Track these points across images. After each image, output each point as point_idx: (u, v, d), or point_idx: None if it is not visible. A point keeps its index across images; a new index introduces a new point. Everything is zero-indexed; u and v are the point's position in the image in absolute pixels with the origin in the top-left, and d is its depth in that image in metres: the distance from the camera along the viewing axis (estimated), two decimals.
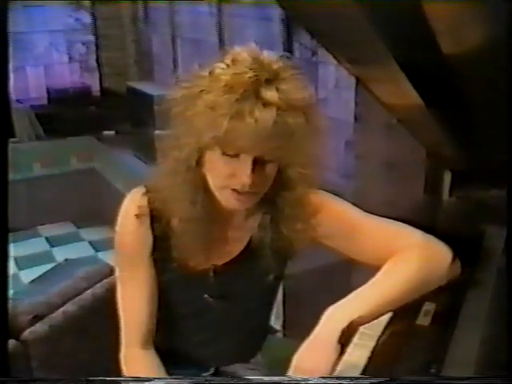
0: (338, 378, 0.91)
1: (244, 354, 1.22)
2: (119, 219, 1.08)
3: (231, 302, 1.11)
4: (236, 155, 0.90)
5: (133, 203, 1.05)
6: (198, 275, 1.07)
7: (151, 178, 1.06)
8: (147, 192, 1.04)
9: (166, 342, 1.16)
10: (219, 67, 0.91)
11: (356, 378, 0.86)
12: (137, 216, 1.03)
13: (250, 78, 0.87)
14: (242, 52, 0.92)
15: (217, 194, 0.97)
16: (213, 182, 0.96)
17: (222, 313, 1.12)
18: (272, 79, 0.89)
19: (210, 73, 0.92)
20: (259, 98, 0.87)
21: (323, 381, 0.82)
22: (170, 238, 1.03)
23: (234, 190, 0.93)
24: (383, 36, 0.63)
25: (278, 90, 0.88)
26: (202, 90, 0.90)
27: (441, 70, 0.75)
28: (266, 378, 0.93)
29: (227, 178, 0.93)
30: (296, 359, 0.92)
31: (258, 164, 0.91)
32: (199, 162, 0.95)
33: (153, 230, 1.04)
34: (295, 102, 0.89)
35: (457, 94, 0.84)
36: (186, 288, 1.10)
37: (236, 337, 1.17)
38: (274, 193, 1.00)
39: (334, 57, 0.78)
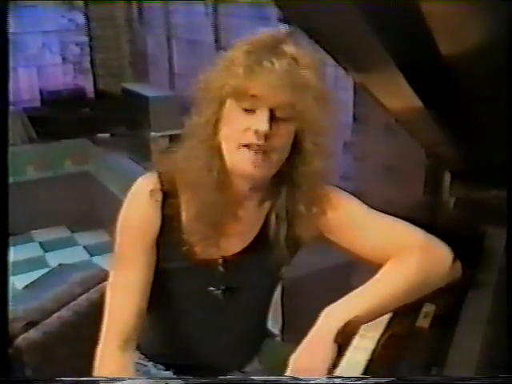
0: (342, 377, 0.91)
1: (242, 356, 1.23)
2: (127, 199, 1.09)
3: (235, 296, 1.11)
4: (253, 108, 0.95)
5: (145, 183, 1.07)
6: (205, 266, 1.07)
7: (162, 165, 1.09)
8: (159, 175, 1.06)
9: (167, 341, 1.17)
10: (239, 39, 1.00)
11: (360, 378, 0.86)
12: (150, 193, 1.04)
13: (267, 36, 0.97)
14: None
15: (232, 160, 0.98)
16: (228, 143, 0.99)
17: (224, 307, 1.12)
18: (288, 41, 0.97)
19: (231, 47, 1.00)
20: (276, 49, 0.95)
21: (326, 380, 0.82)
22: (181, 219, 1.04)
23: (249, 146, 0.95)
24: (381, 36, 0.64)
25: (295, 44, 0.97)
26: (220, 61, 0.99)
27: (439, 71, 0.76)
28: (266, 378, 0.94)
29: (243, 132, 0.96)
30: (293, 360, 0.93)
31: (273, 118, 0.95)
32: (216, 128, 0.99)
33: (163, 210, 1.05)
34: (308, 60, 0.96)
35: (456, 94, 0.85)
36: (192, 279, 1.09)
37: (235, 334, 1.16)
38: (291, 168, 1.02)
39: (332, 57, 0.80)
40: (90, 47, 4.62)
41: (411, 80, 0.79)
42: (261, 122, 0.94)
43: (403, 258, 1.02)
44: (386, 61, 0.72)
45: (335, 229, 1.08)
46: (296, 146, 1.00)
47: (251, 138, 0.95)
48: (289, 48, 0.96)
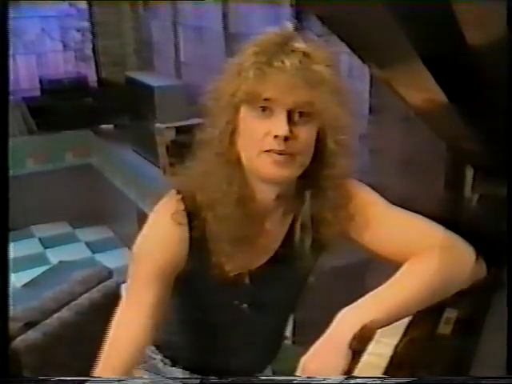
0: (360, 377, 0.91)
1: (262, 363, 1.25)
2: (148, 223, 1.04)
3: (262, 309, 1.12)
4: (269, 111, 0.94)
5: (167, 206, 1.03)
6: (231, 281, 1.06)
7: (179, 183, 1.06)
8: (180, 195, 1.03)
9: (190, 347, 1.18)
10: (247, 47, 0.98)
11: (379, 378, 0.86)
12: (172, 217, 1.01)
13: (275, 35, 0.96)
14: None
15: (254, 166, 0.98)
16: (247, 152, 0.98)
17: (250, 319, 1.13)
18: (298, 38, 0.97)
19: (240, 52, 0.98)
20: (286, 47, 0.94)
21: (343, 381, 0.82)
22: (206, 240, 1.02)
23: (271, 151, 0.95)
24: (403, 27, 0.62)
25: (305, 40, 0.96)
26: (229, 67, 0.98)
27: (465, 63, 0.74)
28: (269, 378, 0.94)
29: (262, 139, 0.95)
30: (303, 361, 0.93)
31: (292, 120, 0.94)
32: (232, 139, 0.99)
33: (190, 233, 1.02)
34: (321, 55, 0.96)
35: (481, 86, 0.83)
36: (218, 294, 1.09)
37: (259, 343, 1.18)
38: (315, 172, 1.01)
39: (347, 45, 0.78)
40: (93, 33, 4.62)
41: (436, 73, 0.78)
42: (279, 125, 0.93)
43: (423, 257, 1.01)
44: (409, 53, 0.70)
45: (358, 226, 1.08)
46: (318, 146, 0.99)
47: (272, 144, 0.94)
48: (299, 44, 0.95)
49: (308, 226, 1.06)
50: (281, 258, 1.09)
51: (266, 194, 1.02)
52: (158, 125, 3.18)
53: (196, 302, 1.11)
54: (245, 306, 1.11)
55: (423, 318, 1.03)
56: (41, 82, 4.42)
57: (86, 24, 4.60)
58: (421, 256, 1.01)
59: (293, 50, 0.94)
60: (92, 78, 4.64)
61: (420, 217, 1.08)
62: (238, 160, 0.99)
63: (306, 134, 0.96)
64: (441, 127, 1.25)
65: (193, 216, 1.02)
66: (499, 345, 0.81)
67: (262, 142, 0.95)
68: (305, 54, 0.94)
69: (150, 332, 1.03)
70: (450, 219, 1.55)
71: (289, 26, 1.02)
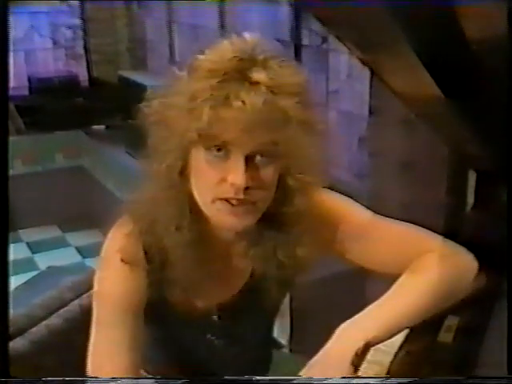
0: (363, 377, 0.91)
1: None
2: (102, 263, 0.99)
3: (233, 341, 1.11)
4: (226, 155, 0.86)
5: (117, 243, 0.96)
6: (199, 316, 1.05)
7: (135, 204, 0.99)
8: (134, 224, 0.96)
9: (168, 368, 1.16)
10: (197, 58, 0.88)
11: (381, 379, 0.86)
12: (124, 260, 0.94)
13: (233, 58, 0.84)
14: (222, 41, 0.90)
15: (208, 212, 0.91)
16: (201, 196, 0.90)
17: (224, 350, 1.11)
18: (259, 61, 0.86)
19: (188, 68, 0.89)
20: (245, 80, 0.84)
21: (345, 381, 0.82)
22: (169, 279, 0.97)
23: (226, 200, 0.87)
24: (397, 20, 0.63)
25: (265, 67, 0.85)
26: (179, 92, 0.88)
27: (464, 58, 0.75)
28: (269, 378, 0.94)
29: (217, 186, 0.87)
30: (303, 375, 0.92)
31: (251, 164, 0.86)
32: (183, 175, 0.91)
33: (148, 272, 0.96)
34: (288, 86, 0.85)
35: (482, 84, 0.84)
36: (188, 329, 1.08)
37: (239, 366, 1.16)
38: (275, 212, 0.95)
39: (345, 45, 0.78)
40: (84, 31, 4.62)
41: (432, 69, 0.79)
42: (237, 173, 0.84)
43: (422, 266, 1.01)
44: (404, 48, 0.71)
45: (339, 246, 1.05)
46: (278, 183, 0.92)
47: (228, 192, 0.86)
48: (260, 75, 0.84)
49: (271, 263, 1.00)
50: (249, 290, 1.06)
51: (224, 232, 0.97)
52: None
53: (167, 335, 1.09)
54: (217, 339, 1.10)
55: (423, 326, 1.03)
56: (29, 80, 4.41)
57: (77, 21, 4.60)
58: (419, 266, 1.01)
59: (254, 84, 0.83)
60: (83, 77, 4.65)
61: (412, 226, 1.06)
62: (190, 197, 0.91)
63: (268, 177, 0.88)
64: (441, 129, 1.26)
65: (149, 253, 0.96)
66: (501, 352, 0.82)
67: (216, 189, 0.87)
68: (268, 88, 0.83)
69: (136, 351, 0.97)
70: (451, 225, 1.56)
71: (248, 38, 0.89)
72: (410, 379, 0.83)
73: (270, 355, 1.29)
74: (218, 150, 0.86)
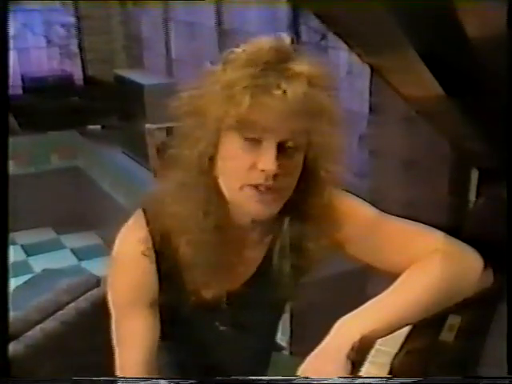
0: (366, 377, 0.91)
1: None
2: (113, 261, 1.04)
3: (242, 330, 1.13)
4: (258, 141, 0.90)
5: (132, 237, 1.02)
6: (209, 304, 1.07)
7: (149, 201, 1.04)
8: (147, 220, 1.01)
9: (175, 362, 1.18)
10: (233, 51, 0.92)
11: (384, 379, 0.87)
12: (139, 254, 1.00)
13: (271, 49, 0.89)
14: (258, 37, 0.93)
15: (235, 198, 0.95)
16: (229, 182, 0.94)
17: (233, 342, 1.14)
18: (296, 55, 0.91)
19: (224, 62, 0.92)
20: (285, 71, 0.88)
21: (346, 381, 0.83)
22: (179, 269, 1.01)
23: (255, 186, 0.91)
24: (398, 18, 0.63)
25: (304, 60, 0.90)
26: (215, 82, 0.91)
27: (465, 56, 0.76)
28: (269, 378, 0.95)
29: (247, 172, 0.91)
30: (300, 372, 0.93)
31: (282, 151, 0.90)
32: (212, 162, 0.94)
33: (158, 268, 1.01)
34: (323, 79, 0.91)
35: (483, 82, 0.84)
36: (197, 317, 1.10)
37: (244, 366, 1.18)
38: (298, 198, 0.98)
39: (345, 42, 0.79)
40: (78, 29, 4.62)
41: (433, 66, 0.79)
42: (269, 159, 0.89)
43: (425, 264, 1.02)
44: (402, 44, 0.71)
45: (345, 241, 1.07)
46: (305, 174, 0.96)
47: (258, 179, 0.90)
48: (300, 66, 0.89)
49: (286, 253, 1.04)
50: (258, 280, 1.09)
51: (241, 220, 1.01)
52: (148, 125, 3.19)
53: (176, 325, 1.11)
54: (225, 327, 1.12)
55: (425, 325, 1.03)
56: (23, 79, 4.41)
57: (71, 19, 4.59)
58: (422, 263, 1.02)
59: (294, 75, 0.88)
60: (78, 76, 4.65)
61: (417, 224, 1.07)
62: (216, 185, 0.96)
63: (295, 166, 0.94)
64: (443, 126, 1.26)
65: (161, 245, 1.00)
66: (504, 352, 0.82)
67: (246, 175, 0.91)
68: (307, 79, 0.88)
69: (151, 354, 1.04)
70: (454, 224, 1.56)
71: (285, 37, 0.94)
72: (413, 379, 0.83)
73: (271, 351, 1.30)
74: (252, 137, 0.90)
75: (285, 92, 0.86)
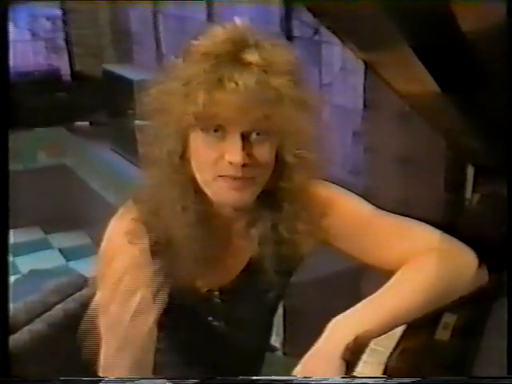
0: (363, 377, 0.92)
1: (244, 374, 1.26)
2: (106, 250, 1.04)
3: (236, 325, 1.14)
4: (222, 134, 0.92)
5: (124, 226, 1.02)
6: (201, 299, 1.08)
7: (139, 190, 1.05)
8: (138, 208, 1.02)
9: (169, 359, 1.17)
10: (191, 44, 0.94)
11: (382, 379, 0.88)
12: (131, 243, 1.00)
13: (225, 40, 0.90)
14: (215, 27, 0.95)
15: (209, 190, 0.97)
16: (201, 175, 0.96)
17: (227, 337, 1.14)
18: (251, 42, 0.92)
19: (183, 53, 0.94)
20: (237, 61, 0.89)
21: (344, 380, 0.84)
22: (171, 264, 1.01)
23: (226, 177, 0.93)
24: (392, 14, 0.64)
25: (257, 47, 0.91)
26: (175, 77, 0.93)
27: (460, 52, 0.76)
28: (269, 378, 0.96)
29: (216, 164, 0.93)
30: (295, 373, 0.93)
31: (247, 141, 0.92)
32: (184, 158, 0.96)
33: (152, 254, 1.01)
34: (280, 65, 0.91)
35: (479, 76, 0.85)
36: (190, 312, 1.11)
37: (239, 361, 1.18)
38: (274, 188, 1.00)
39: (338, 37, 0.79)
40: (64, 22, 4.58)
41: (427, 62, 0.80)
42: (234, 151, 0.91)
43: (419, 262, 1.02)
44: (396, 39, 0.72)
45: (337, 236, 1.08)
46: (277, 160, 0.98)
47: (227, 170, 0.93)
48: (252, 56, 0.90)
49: (268, 241, 1.05)
50: (249, 274, 1.09)
51: (223, 209, 1.02)
52: (138, 122, 3.19)
53: (169, 320, 1.10)
54: (218, 323, 1.13)
55: (420, 324, 1.04)
56: None
57: (57, 11, 4.56)
58: (417, 261, 1.02)
59: (246, 64, 0.89)
60: (65, 71, 4.62)
61: (412, 221, 1.08)
62: (192, 179, 0.97)
63: (265, 154, 0.95)
64: (439, 123, 1.27)
65: (151, 230, 1.01)
66: (500, 351, 0.83)
67: (215, 167, 0.93)
68: (261, 68, 0.90)
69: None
70: (449, 221, 1.57)
71: (239, 23, 0.95)
72: (412, 379, 0.84)
73: (265, 350, 1.31)
74: (215, 130, 0.92)
75: (237, 84, 0.87)
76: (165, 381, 0.94)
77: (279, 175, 0.99)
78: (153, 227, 1.01)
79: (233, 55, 0.90)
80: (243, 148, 0.91)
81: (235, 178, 0.93)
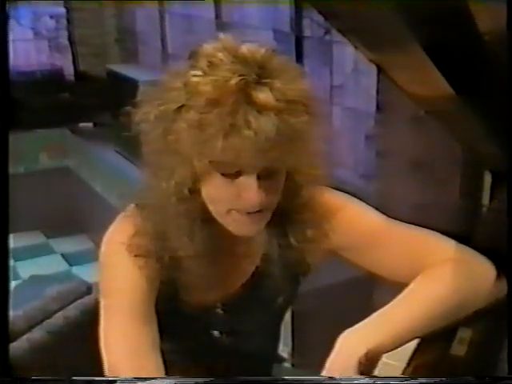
0: (387, 378, 0.91)
1: None
2: (107, 255, 1.04)
3: (239, 337, 1.14)
4: (238, 173, 0.91)
5: (125, 232, 1.01)
6: (204, 310, 1.09)
7: (142, 195, 1.04)
8: (139, 216, 1.02)
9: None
10: (195, 75, 0.89)
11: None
12: (131, 251, 0.99)
13: (235, 83, 0.86)
14: (217, 50, 0.91)
15: (223, 221, 0.97)
16: (215, 208, 0.96)
17: (231, 349, 1.14)
18: (261, 75, 0.88)
19: (185, 84, 0.90)
20: (252, 104, 0.86)
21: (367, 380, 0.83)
22: (173, 276, 1.02)
23: (241, 210, 0.94)
24: (403, 15, 0.63)
25: (271, 88, 0.87)
26: (179, 107, 0.90)
27: (476, 54, 0.75)
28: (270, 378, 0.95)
29: (232, 201, 0.93)
30: None
31: (263, 177, 0.92)
32: (193, 190, 0.95)
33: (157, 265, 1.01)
34: (294, 97, 0.89)
35: (496, 80, 0.84)
36: (193, 324, 1.11)
37: (245, 366, 1.18)
38: (282, 202, 1.00)
39: (349, 40, 0.79)
40: (68, 20, 4.60)
41: (441, 64, 0.79)
42: (251, 192, 0.91)
43: (435, 273, 1.01)
44: (409, 41, 0.71)
45: (347, 248, 1.08)
46: (286, 179, 0.98)
47: (243, 206, 0.93)
48: (267, 97, 0.86)
49: (275, 253, 1.06)
50: (253, 285, 1.10)
51: (232, 235, 1.01)
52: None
53: (171, 332, 1.10)
54: (221, 335, 1.13)
55: (434, 338, 1.03)
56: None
57: (61, 9, 4.58)
58: (431, 272, 1.02)
59: (261, 106, 0.86)
60: (69, 71, 4.64)
61: (425, 230, 1.07)
62: (202, 207, 0.97)
63: (279, 186, 0.96)
64: (454, 127, 1.26)
65: (154, 245, 1.00)
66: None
67: (231, 202, 0.93)
68: (276, 109, 0.86)
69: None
70: (465, 230, 1.56)
71: (247, 51, 0.91)
72: (412, 379, 0.83)
73: (272, 361, 1.30)
74: (229, 173, 0.91)
75: (256, 134, 0.85)
76: (174, 381, 0.94)
77: (288, 193, 1.00)
78: (156, 244, 1.00)
79: (245, 97, 0.86)
80: (259, 186, 0.91)
81: (251, 213, 0.94)
